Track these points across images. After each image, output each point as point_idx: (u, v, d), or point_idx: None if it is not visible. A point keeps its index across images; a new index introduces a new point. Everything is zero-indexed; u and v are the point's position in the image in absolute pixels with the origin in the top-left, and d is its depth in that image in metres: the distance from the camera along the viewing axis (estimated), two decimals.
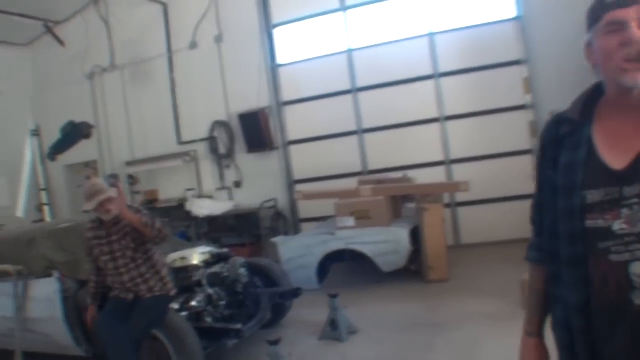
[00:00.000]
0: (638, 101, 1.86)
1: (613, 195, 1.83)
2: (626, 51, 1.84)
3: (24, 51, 15.21)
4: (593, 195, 1.87)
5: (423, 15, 11.73)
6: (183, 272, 6.60)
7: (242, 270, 6.92)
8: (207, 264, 6.89)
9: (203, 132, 13.31)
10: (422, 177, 10.75)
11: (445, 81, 11.59)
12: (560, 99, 9.87)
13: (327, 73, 12.36)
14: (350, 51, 12.25)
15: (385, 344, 6.56)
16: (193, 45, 13.21)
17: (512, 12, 11.19)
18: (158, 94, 13.73)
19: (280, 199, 12.87)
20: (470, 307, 7.36)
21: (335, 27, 12.40)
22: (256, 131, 12.53)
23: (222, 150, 13.20)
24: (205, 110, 13.24)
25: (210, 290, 6.51)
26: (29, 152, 14.86)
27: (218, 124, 13.13)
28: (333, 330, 6.84)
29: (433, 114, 11.69)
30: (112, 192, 5.61)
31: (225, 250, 7.51)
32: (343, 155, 12.32)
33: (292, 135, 12.89)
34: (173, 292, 5.80)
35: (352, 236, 9.00)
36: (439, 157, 11.70)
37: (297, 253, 9.25)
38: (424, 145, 11.74)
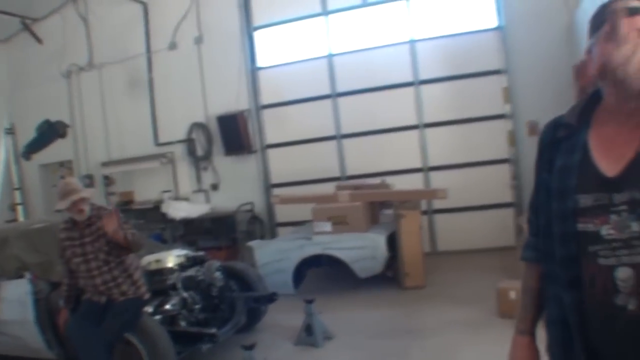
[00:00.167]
0: (632, 109, 1.90)
1: (603, 201, 1.87)
2: None
3: None
4: (585, 200, 1.91)
5: (404, 22, 11.74)
6: (158, 275, 6.51)
7: (218, 274, 6.84)
8: (182, 267, 6.83)
9: (181, 134, 13.21)
10: (400, 183, 10.72)
11: (425, 88, 11.62)
12: (538, 109, 10.03)
13: (307, 77, 12.33)
14: (330, 56, 12.24)
15: (361, 350, 6.53)
16: (172, 45, 13.12)
17: (493, 22, 11.25)
18: (136, 94, 13.60)
19: (257, 202, 12.80)
20: (446, 314, 7.36)
21: (317, 31, 12.38)
22: (234, 134, 12.46)
23: (200, 152, 13.12)
24: (184, 111, 13.14)
25: (184, 294, 6.42)
26: (3, 150, 14.68)
27: (196, 125, 13.04)
28: (308, 336, 6.79)
29: (412, 121, 11.70)
30: (86, 192, 5.53)
31: (200, 253, 7.46)
32: (321, 160, 12.31)
33: (271, 138, 12.84)
34: (146, 296, 5.71)
35: (328, 241, 8.96)
36: (417, 164, 11.71)
37: (273, 257, 9.18)
38: (402, 151, 11.74)
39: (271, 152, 12.86)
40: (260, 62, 12.87)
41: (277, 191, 12.39)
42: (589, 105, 2.08)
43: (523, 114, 10.86)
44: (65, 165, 14.55)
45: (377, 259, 8.71)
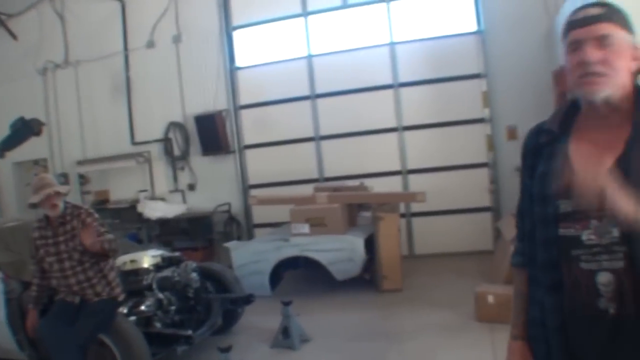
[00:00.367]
0: (605, 114, 1.98)
1: (583, 207, 1.88)
2: (581, 70, 1.96)
3: None
4: (565, 205, 1.96)
5: (384, 25, 11.72)
6: (133, 275, 6.42)
7: (194, 275, 6.77)
8: (158, 267, 6.75)
9: (158, 133, 13.07)
10: (379, 186, 10.68)
11: (405, 91, 11.59)
12: (517, 113, 10.07)
13: (286, 78, 12.25)
14: (310, 57, 12.17)
15: (338, 352, 6.50)
16: (150, 44, 12.97)
17: (473, 26, 11.25)
18: (112, 92, 13.43)
19: (234, 203, 12.71)
20: (423, 317, 7.34)
21: (296, 32, 12.31)
22: (212, 134, 12.36)
23: (177, 152, 12.99)
24: (161, 111, 13.01)
25: (160, 295, 6.33)
26: None
27: (173, 125, 12.91)
28: (285, 338, 6.74)
29: (391, 123, 11.67)
30: (61, 188, 5.43)
31: (176, 254, 7.37)
32: (299, 162, 12.24)
33: (249, 139, 12.74)
34: (121, 297, 5.62)
35: (306, 243, 8.90)
36: (395, 166, 11.67)
37: (250, 259, 9.11)
38: (381, 154, 11.70)
39: (249, 153, 12.76)
40: (239, 62, 12.77)
41: (254, 192, 12.28)
42: (570, 111, 2.13)
43: (502, 118, 10.88)
44: (39, 163, 14.34)
45: (355, 262, 8.67)
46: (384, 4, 11.70)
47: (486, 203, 11.09)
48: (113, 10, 13.27)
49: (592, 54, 1.92)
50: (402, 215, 10.83)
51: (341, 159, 11.92)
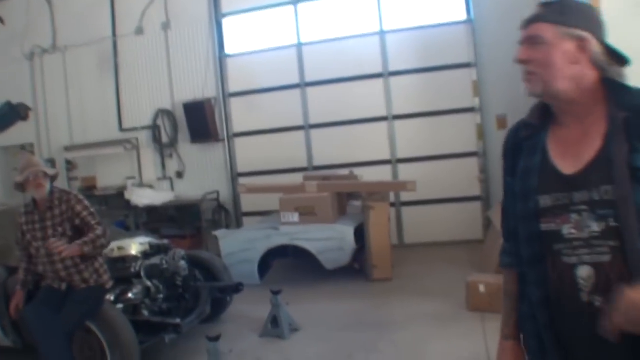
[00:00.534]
0: (566, 109, 2.03)
1: (563, 201, 1.95)
2: (522, 68, 2.07)
3: None
4: (545, 200, 2.00)
5: (374, 13, 11.66)
6: (120, 263, 6.37)
7: (182, 263, 6.71)
8: (146, 255, 6.66)
9: (146, 120, 12.96)
10: (368, 175, 10.62)
11: (395, 80, 11.56)
12: (507, 102, 10.03)
13: (276, 66, 12.18)
14: (300, 45, 12.11)
15: (328, 342, 6.45)
16: (139, 30, 12.84)
17: (462, 15, 11.24)
18: (101, 78, 13.29)
19: (223, 191, 12.63)
20: (414, 307, 7.31)
21: (286, 20, 12.24)
22: (201, 121, 12.25)
23: (165, 139, 12.88)
24: (149, 97, 12.90)
25: (148, 283, 6.27)
26: None
27: (162, 112, 12.80)
28: (274, 328, 6.70)
29: (381, 112, 11.64)
30: (48, 169, 5.35)
31: (165, 241, 7.29)
32: (289, 150, 12.18)
33: (238, 127, 12.65)
34: (109, 285, 5.55)
35: (296, 232, 8.86)
36: (385, 155, 11.65)
37: (239, 247, 9.05)
38: (370, 143, 11.67)
39: (238, 141, 12.68)
40: (228, 49, 12.68)
41: (243, 180, 12.22)
42: (547, 106, 2.13)
43: (492, 107, 10.87)
44: (26, 149, 14.19)
45: (345, 251, 8.64)
46: None
47: (476, 192, 11.08)
48: None
49: (522, 54, 2.03)
50: (392, 205, 10.82)
51: (331, 148, 11.86)
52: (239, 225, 12.36)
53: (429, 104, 11.32)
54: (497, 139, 10.33)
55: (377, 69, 11.62)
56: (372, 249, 8.83)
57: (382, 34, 11.61)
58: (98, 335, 5.29)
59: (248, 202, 12.48)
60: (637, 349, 1.83)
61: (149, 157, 13.13)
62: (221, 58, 12.58)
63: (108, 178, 13.34)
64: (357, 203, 9.81)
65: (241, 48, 12.62)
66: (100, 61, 13.26)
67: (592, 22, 1.99)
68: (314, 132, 12.09)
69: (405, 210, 11.57)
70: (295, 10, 12.14)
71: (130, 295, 6.09)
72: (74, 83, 13.50)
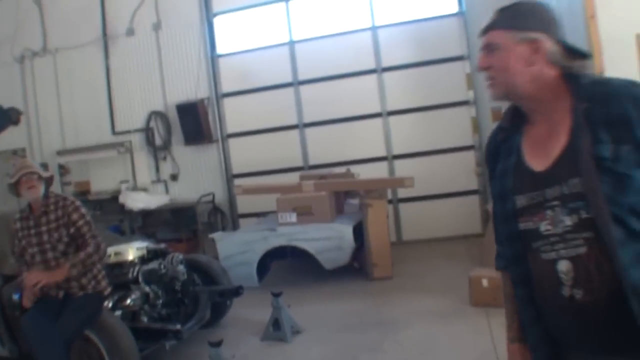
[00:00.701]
0: (533, 108, 2.09)
1: (537, 199, 1.99)
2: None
3: None
4: (521, 200, 2.05)
5: (366, 8, 11.64)
6: (117, 268, 6.27)
7: (181, 267, 6.61)
8: (144, 259, 6.57)
9: (139, 123, 12.84)
10: (365, 172, 10.60)
11: (388, 75, 11.55)
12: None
13: (269, 65, 12.12)
14: (292, 43, 12.05)
15: (332, 344, 6.36)
16: (130, 31, 12.72)
17: (454, 8, 11.27)
18: (92, 81, 13.14)
19: (218, 193, 12.52)
20: (416, 304, 7.24)
21: (278, 17, 12.17)
22: (194, 123, 12.15)
23: (159, 141, 12.77)
24: (142, 99, 12.78)
25: (146, 288, 6.18)
26: None
27: (155, 114, 12.68)
28: (276, 331, 6.60)
29: (375, 108, 11.61)
30: (42, 172, 5.26)
31: (162, 245, 7.20)
32: (284, 150, 12.10)
33: (232, 127, 12.56)
34: (107, 291, 5.43)
35: (294, 232, 8.76)
36: (381, 152, 11.61)
37: (237, 249, 8.94)
38: (366, 140, 11.63)
39: (232, 142, 12.59)
40: (220, 49, 12.60)
41: (238, 181, 12.12)
42: (519, 108, 2.18)
43: (486, 100, 10.72)
44: (18, 153, 14.05)
45: (344, 250, 8.56)
46: None
47: (474, 186, 11.04)
48: None
49: (481, 61, 2.12)
50: (389, 202, 10.76)
51: (326, 146, 11.79)
52: (235, 227, 12.27)
53: (423, 98, 11.29)
54: None
55: (370, 64, 11.60)
56: (371, 247, 8.75)
57: (374, 29, 11.59)
58: (97, 343, 5.17)
59: (244, 204, 12.37)
60: (622, 342, 1.85)
61: (143, 160, 13.00)
62: (213, 58, 12.49)
63: (102, 182, 13.22)
64: (354, 201, 9.74)
65: (233, 47, 12.55)
66: (91, 63, 13.11)
67: (545, 22, 2.04)
68: (309, 131, 12.03)
69: (403, 207, 11.52)
70: (287, 8, 12.09)
71: (128, 301, 5.99)
72: (65, 86, 13.35)
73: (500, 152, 2.21)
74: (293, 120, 12.09)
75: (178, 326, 5.83)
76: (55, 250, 5.12)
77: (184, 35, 12.48)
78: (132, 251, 6.50)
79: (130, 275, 6.19)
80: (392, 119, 11.55)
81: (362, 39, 11.64)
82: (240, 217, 12.59)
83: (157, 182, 12.96)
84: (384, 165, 11.56)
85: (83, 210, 5.30)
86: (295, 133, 12.11)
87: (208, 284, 7.05)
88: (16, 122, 11.81)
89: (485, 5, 10.43)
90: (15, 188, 5.23)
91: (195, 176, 12.68)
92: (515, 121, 2.17)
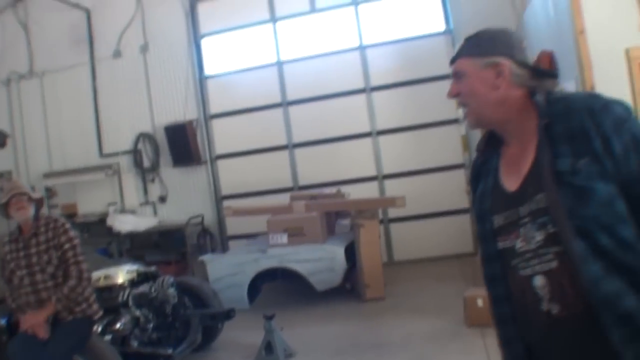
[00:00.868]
0: (503, 129, 2.13)
1: (512, 217, 2.02)
2: None
3: None
4: (498, 220, 2.09)
5: (354, 28, 11.68)
6: (107, 292, 6.17)
7: (171, 290, 6.53)
8: (133, 283, 6.47)
9: (126, 145, 12.76)
10: (355, 192, 10.57)
11: (377, 95, 11.58)
12: None
13: (257, 85, 12.11)
14: (280, 63, 12.05)
15: None
16: (117, 54, 12.68)
17: (441, 26, 11.34)
18: (79, 103, 13.05)
19: (207, 215, 12.43)
20: (410, 325, 7.15)
21: (265, 38, 12.18)
22: (182, 144, 12.07)
23: (147, 163, 12.68)
24: (129, 121, 12.69)
25: (136, 312, 6.10)
26: None
27: (143, 136, 12.61)
28: (268, 354, 6.51)
29: (365, 128, 11.61)
30: (32, 193, 5.20)
31: (152, 268, 7.09)
32: (273, 171, 12.04)
33: (220, 149, 12.51)
34: (98, 315, 5.33)
35: (285, 254, 8.69)
36: (371, 172, 11.58)
37: (227, 271, 8.85)
38: (356, 160, 11.61)
39: (221, 163, 12.52)
40: (208, 70, 12.58)
41: (228, 203, 12.02)
42: (493, 131, 2.24)
43: None
44: (4, 176, 13.92)
45: (336, 271, 8.50)
46: (352, 8, 11.72)
47: (464, 205, 10.94)
48: (78, 20, 12.94)
49: (451, 89, 2.17)
50: (380, 222, 10.68)
51: (316, 167, 11.76)
52: (224, 249, 12.14)
53: (413, 117, 11.31)
54: None
55: (359, 84, 11.61)
56: (363, 268, 8.66)
57: (362, 48, 11.63)
58: None
59: (233, 225, 12.28)
60: (599, 358, 1.85)
61: (131, 182, 12.90)
62: (201, 79, 12.46)
63: (89, 204, 13.07)
64: (345, 222, 9.69)
65: (221, 68, 12.54)
66: (78, 86, 13.04)
67: (507, 46, 2.09)
68: (298, 151, 11.98)
69: (394, 227, 11.47)
70: (274, 28, 12.09)
71: (118, 325, 5.90)
72: (52, 108, 13.26)
73: (481, 174, 2.27)
74: (282, 141, 12.04)
75: (169, 350, 5.77)
76: (44, 272, 5.03)
77: (171, 56, 12.43)
78: (122, 274, 6.41)
79: (120, 299, 6.13)
80: (382, 139, 11.54)
81: (350, 59, 11.66)
82: (229, 239, 12.48)
83: (145, 204, 12.85)
84: (374, 185, 11.51)
85: (72, 233, 5.22)
86: (284, 154, 12.06)
87: (199, 307, 6.96)
88: (2, 144, 11.73)
89: (472, 24, 10.48)
90: (4, 209, 5.16)
91: (183, 198, 12.57)
92: (492, 144, 2.22)
